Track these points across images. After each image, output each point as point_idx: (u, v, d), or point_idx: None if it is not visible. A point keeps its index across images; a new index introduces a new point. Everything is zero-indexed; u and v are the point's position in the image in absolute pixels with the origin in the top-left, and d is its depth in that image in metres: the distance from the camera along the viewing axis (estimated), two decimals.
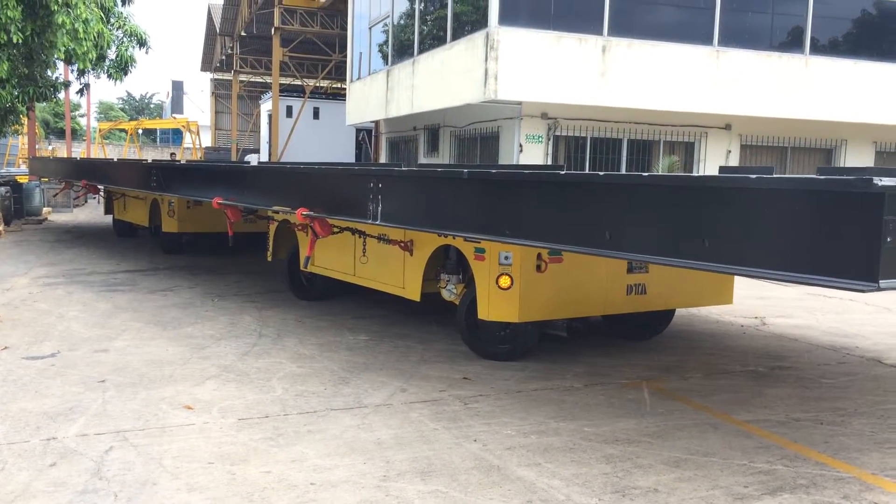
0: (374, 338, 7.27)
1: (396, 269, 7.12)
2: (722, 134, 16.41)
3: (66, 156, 33.10)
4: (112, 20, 17.14)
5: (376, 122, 22.98)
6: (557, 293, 6.21)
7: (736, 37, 15.09)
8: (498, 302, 6.09)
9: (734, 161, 16.54)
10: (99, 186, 16.00)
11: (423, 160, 19.51)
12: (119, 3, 17.65)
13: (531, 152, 15.09)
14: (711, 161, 16.32)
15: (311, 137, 32.53)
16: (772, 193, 3.53)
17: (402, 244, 6.83)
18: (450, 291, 6.67)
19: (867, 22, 16.33)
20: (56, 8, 13.71)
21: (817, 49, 15.74)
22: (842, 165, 17.25)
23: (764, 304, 9.73)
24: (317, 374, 5.96)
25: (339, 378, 5.89)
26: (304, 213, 6.76)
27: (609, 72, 14.33)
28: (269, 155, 32.81)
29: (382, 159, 22.98)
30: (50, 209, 21.10)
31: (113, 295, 9.15)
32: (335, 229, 7.42)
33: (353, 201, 6.14)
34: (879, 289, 3.10)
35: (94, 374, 5.82)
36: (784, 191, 3.52)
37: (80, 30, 14.36)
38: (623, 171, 15.57)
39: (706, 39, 14.89)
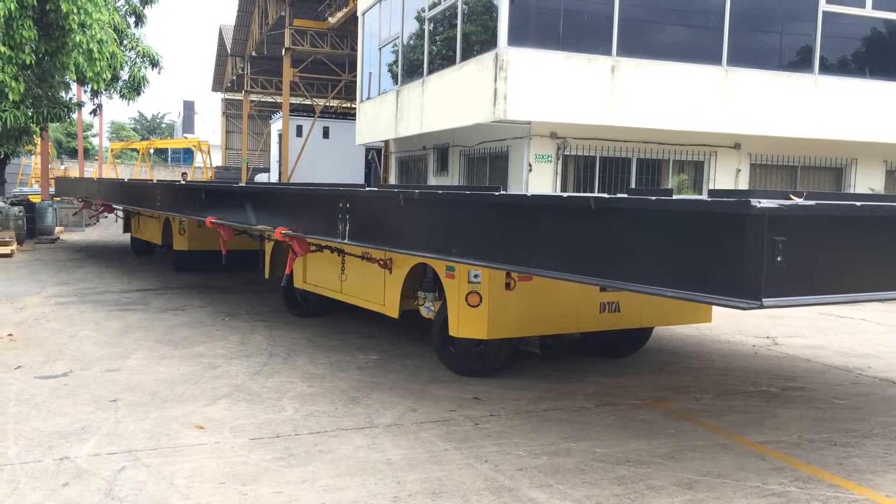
0: (384, 357, 7.28)
1: (377, 287, 7.22)
2: (731, 153, 16.42)
3: (78, 175, 33.37)
4: (125, 41, 17.37)
5: (386, 142, 23.09)
6: (527, 311, 6.25)
7: (745, 56, 15.13)
8: (467, 319, 6.15)
9: (744, 180, 16.54)
10: (114, 206, 16.21)
11: (432, 179, 19.58)
12: (132, 24, 17.90)
13: (540, 172, 15.13)
14: (721, 180, 16.31)
15: (320, 157, 32.72)
16: (670, 215, 3.68)
17: (382, 262, 6.93)
18: (427, 309, 6.75)
19: (877, 41, 16.36)
20: (74, 27, 13.90)
21: (827, 68, 15.76)
22: (852, 184, 17.24)
23: (775, 323, 9.69)
24: (327, 394, 5.96)
25: (350, 398, 5.89)
26: (283, 231, 7.04)
27: (618, 91, 14.39)
28: (280, 174, 33.00)
29: (392, 179, 23.08)
30: (62, 228, 21.25)
31: (125, 314, 9.19)
32: (313, 247, 7.66)
33: (326, 220, 6.42)
34: (763, 307, 3.19)
35: (106, 393, 5.84)
36: (680, 212, 3.66)
37: (96, 50, 14.54)
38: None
39: (715, 59, 14.95)
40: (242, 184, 12.97)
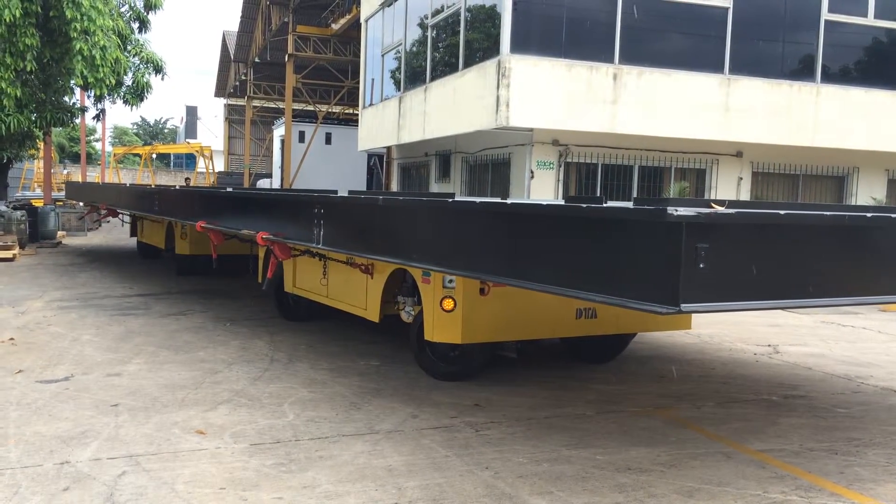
0: (385, 363, 7.27)
1: (360, 291, 7.28)
2: (733, 161, 16.43)
3: (80, 180, 33.45)
4: (129, 47, 17.42)
5: (388, 148, 23.13)
6: (502, 316, 6.28)
7: (747, 65, 15.16)
8: (442, 324, 6.19)
9: (746, 188, 16.54)
10: (119, 211, 16.34)
11: (434, 186, 19.60)
12: (136, 30, 17.96)
13: (542, 179, 15.15)
14: (723, 188, 16.32)
15: (322, 162, 32.76)
16: (599, 223, 3.79)
17: (364, 267, 6.99)
18: (407, 313, 6.80)
19: (879, 50, 16.39)
20: (75, 35, 13.93)
21: (829, 77, 15.79)
22: (854, 193, 17.24)
23: (777, 331, 9.68)
24: (328, 400, 5.96)
25: (351, 403, 5.89)
26: (265, 236, 7.17)
27: (620, 99, 14.41)
28: (282, 180, 33.03)
29: (394, 185, 23.11)
30: (64, 233, 21.28)
31: (126, 319, 9.20)
32: (294, 252, 7.79)
33: (303, 225, 6.56)
34: (681, 311, 3.27)
35: (107, 397, 5.84)
36: (607, 220, 3.77)
37: (98, 56, 14.58)
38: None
39: (717, 67, 14.97)
40: (229, 189, 13.17)
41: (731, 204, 3.58)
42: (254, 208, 8.24)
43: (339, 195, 6.43)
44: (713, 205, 3.50)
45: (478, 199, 5.37)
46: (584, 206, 3.86)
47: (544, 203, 4.36)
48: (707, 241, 3.30)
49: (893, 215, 4.19)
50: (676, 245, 3.28)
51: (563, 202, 4.32)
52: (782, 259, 3.67)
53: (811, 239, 3.77)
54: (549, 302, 6.30)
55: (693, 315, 9.11)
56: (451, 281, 6.06)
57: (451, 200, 5.00)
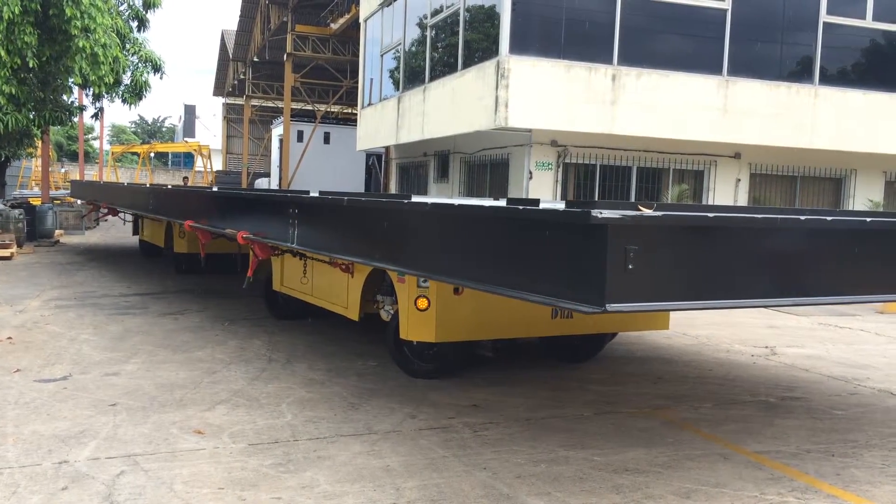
0: (382, 363, 7.28)
1: (341, 290, 7.34)
2: (731, 163, 16.46)
3: (78, 178, 33.44)
4: (127, 46, 17.42)
5: (387, 148, 23.13)
6: (476, 315, 6.32)
7: (745, 67, 15.18)
8: (417, 322, 6.25)
9: (743, 190, 16.57)
10: (118, 209, 16.40)
11: (433, 186, 19.62)
12: (134, 28, 17.96)
13: (541, 179, 15.16)
14: (721, 190, 16.35)
15: (321, 162, 32.74)
16: (532, 224, 3.88)
17: (344, 266, 7.03)
18: (387, 312, 6.86)
19: (877, 52, 16.42)
20: (76, 33, 13.95)
21: (827, 79, 15.81)
22: (851, 194, 17.27)
23: (774, 333, 9.70)
24: (326, 400, 5.97)
25: (349, 404, 5.89)
26: (245, 235, 7.26)
27: (619, 100, 14.43)
28: (280, 179, 33.03)
29: (393, 185, 23.12)
30: (62, 231, 21.25)
31: (124, 318, 9.19)
32: (276, 252, 7.87)
33: (279, 225, 6.71)
34: (606, 311, 3.34)
35: (105, 397, 5.84)
36: (539, 221, 3.84)
37: (100, 54, 14.60)
38: (632, 200, 15.60)
39: (715, 69, 14.99)
40: (214, 188, 13.29)
41: (659, 206, 3.64)
42: (236, 208, 8.33)
43: (309, 195, 6.47)
44: (640, 207, 3.54)
45: (429, 201, 5.44)
46: (521, 207, 3.93)
47: (486, 205, 4.44)
48: (636, 243, 3.37)
49: (829, 218, 4.23)
50: (601, 246, 3.35)
51: (504, 204, 4.37)
52: (712, 260, 3.72)
53: (741, 241, 3.81)
54: (524, 302, 6.33)
55: (681, 315, 9.15)
56: (424, 280, 6.10)
57: (406, 202, 5.06)
